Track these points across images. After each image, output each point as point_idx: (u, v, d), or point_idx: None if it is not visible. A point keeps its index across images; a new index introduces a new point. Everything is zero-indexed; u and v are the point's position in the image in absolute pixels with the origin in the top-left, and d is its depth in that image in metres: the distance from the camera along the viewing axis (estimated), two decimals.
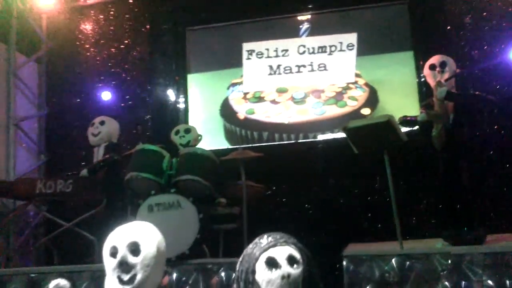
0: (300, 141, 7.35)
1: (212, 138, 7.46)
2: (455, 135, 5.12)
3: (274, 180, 6.79)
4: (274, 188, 6.90)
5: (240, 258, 2.70)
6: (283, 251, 2.61)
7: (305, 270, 2.63)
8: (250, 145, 7.16)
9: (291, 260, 2.59)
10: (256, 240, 2.70)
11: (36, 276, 5.14)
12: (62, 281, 2.77)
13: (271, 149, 7.08)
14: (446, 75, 5.29)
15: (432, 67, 5.41)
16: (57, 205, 6.07)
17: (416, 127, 5.41)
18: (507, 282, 4.44)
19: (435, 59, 5.44)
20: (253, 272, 2.61)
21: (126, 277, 2.64)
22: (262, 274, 2.58)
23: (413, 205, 6.06)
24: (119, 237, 2.72)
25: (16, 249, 6.37)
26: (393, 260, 4.76)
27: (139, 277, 2.63)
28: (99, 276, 4.93)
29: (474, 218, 5.23)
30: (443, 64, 5.36)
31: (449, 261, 4.55)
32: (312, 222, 6.69)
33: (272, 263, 2.58)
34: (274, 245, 2.64)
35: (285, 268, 2.56)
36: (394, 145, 4.93)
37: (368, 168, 6.16)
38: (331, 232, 6.46)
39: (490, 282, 4.45)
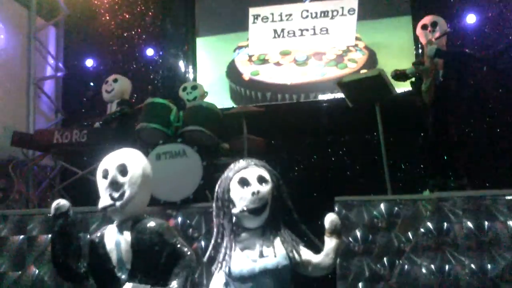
0: (301, 101, 7.58)
1: (218, 98, 7.70)
2: (444, 90, 5.33)
3: (275, 135, 7.02)
4: (273, 142, 7.11)
5: (219, 182, 3.01)
6: (254, 172, 2.92)
7: (274, 188, 2.92)
8: (254, 105, 7.40)
9: (261, 179, 2.90)
10: (232, 165, 3.01)
11: None
12: (62, 201, 3.05)
13: (274, 108, 7.32)
14: (437, 34, 5.49)
15: (424, 27, 5.62)
16: (72, 155, 6.34)
17: (408, 81, 5.62)
18: (485, 223, 4.70)
19: (426, 19, 5.65)
20: (228, 190, 2.92)
21: (116, 194, 2.97)
22: (235, 191, 2.89)
23: (403, 158, 6.27)
24: (110, 160, 3.05)
25: (35, 195, 6.69)
26: (382, 206, 5.02)
27: (127, 193, 2.95)
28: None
29: (459, 170, 5.46)
30: (434, 24, 5.57)
31: (433, 206, 4.81)
32: (308, 174, 6.92)
33: (243, 182, 2.89)
34: (246, 167, 2.95)
35: (255, 186, 2.86)
36: (385, 97, 5.16)
37: (362, 125, 6.39)
38: (324, 184, 6.68)
39: (469, 223, 4.71)
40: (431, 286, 4.66)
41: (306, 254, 2.89)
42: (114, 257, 2.94)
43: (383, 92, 5.10)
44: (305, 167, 7.11)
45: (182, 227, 5.31)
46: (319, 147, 7.06)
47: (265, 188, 2.88)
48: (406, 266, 4.76)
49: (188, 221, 5.27)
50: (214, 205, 2.99)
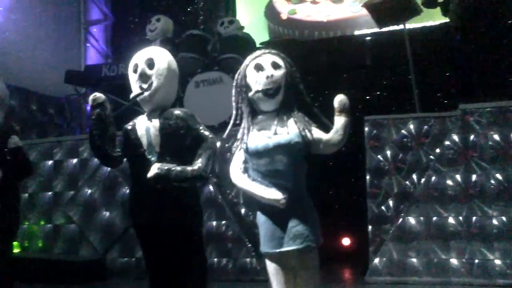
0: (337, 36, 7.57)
1: (257, 38, 7.78)
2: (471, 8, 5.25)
3: (311, 69, 7.03)
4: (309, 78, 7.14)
5: (237, 72, 3.13)
6: (268, 58, 3.01)
7: (287, 73, 3.02)
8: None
9: (275, 65, 2.98)
10: (249, 55, 3.12)
11: None
12: (98, 94, 3.22)
13: (311, 45, 7.33)
14: None
15: None
16: (119, 88, 6.54)
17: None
18: (510, 135, 4.68)
19: None
20: (245, 76, 3.03)
21: (145, 85, 3.11)
22: (251, 76, 2.99)
23: (432, 79, 6.20)
24: (139, 56, 3.19)
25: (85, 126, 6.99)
26: (411, 124, 5.06)
27: (154, 84, 3.09)
28: None
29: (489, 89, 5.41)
30: None
31: (460, 120, 4.81)
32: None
33: (258, 67, 2.99)
34: (261, 55, 3.04)
35: (269, 70, 2.96)
36: (412, 16, 5.15)
37: (392, 56, 6.37)
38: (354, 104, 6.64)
39: (495, 135, 4.69)
40: (457, 197, 4.71)
41: (317, 133, 2.97)
42: (144, 141, 3.10)
43: (409, 11, 5.09)
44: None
45: (220, 149, 5.51)
46: (352, 80, 7.02)
47: (279, 73, 2.98)
48: (433, 178, 4.80)
49: (225, 145, 5.45)
50: (233, 91, 3.12)
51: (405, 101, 5.96)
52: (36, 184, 5.90)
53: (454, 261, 4.60)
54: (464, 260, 4.58)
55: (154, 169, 2.90)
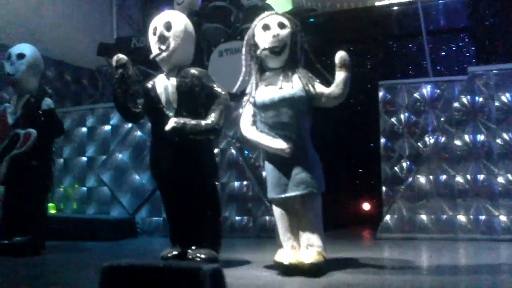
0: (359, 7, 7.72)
1: (279, 9, 7.97)
2: None
3: (333, 40, 7.25)
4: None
5: (247, 33, 3.45)
6: (275, 18, 3.34)
7: (292, 33, 3.32)
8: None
9: (281, 25, 3.31)
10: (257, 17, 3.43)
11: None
12: (121, 55, 3.57)
13: (332, 16, 7.53)
14: None
15: None
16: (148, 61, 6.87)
17: None
18: None
19: None
20: (253, 36, 3.36)
21: (163, 46, 3.46)
22: (259, 35, 3.32)
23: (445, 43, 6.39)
24: (157, 19, 3.54)
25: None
26: (423, 88, 5.29)
27: (172, 45, 3.44)
28: None
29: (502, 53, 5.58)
30: None
31: (469, 83, 5.02)
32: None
33: (266, 27, 3.32)
34: (268, 16, 3.37)
35: (275, 30, 3.28)
36: None
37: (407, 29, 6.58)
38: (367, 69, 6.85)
39: (502, 98, 4.90)
40: (464, 157, 4.95)
41: (320, 87, 3.28)
42: (163, 98, 3.45)
43: None
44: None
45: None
46: (368, 50, 7.22)
47: (284, 32, 3.28)
48: (442, 139, 5.04)
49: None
50: (243, 51, 3.44)
51: (420, 68, 6.18)
52: (70, 149, 6.37)
53: (461, 218, 4.86)
54: (471, 216, 4.83)
55: (171, 123, 3.27)
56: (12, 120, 4.45)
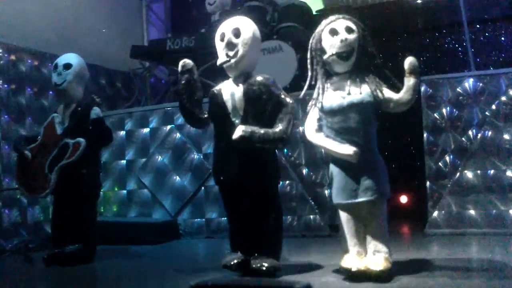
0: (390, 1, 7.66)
1: (313, 6, 7.91)
2: None
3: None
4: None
5: (312, 36, 3.42)
6: (342, 23, 3.32)
7: (360, 37, 3.29)
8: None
9: (348, 29, 3.29)
10: (323, 21, 3.40)
11: (171, 110, 6.18)
12: (187, 60, 3.57)
13: (365, 11, 7.46)
14: None
15: None
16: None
17: None
18: None
19: None
20: (320, 40, 3.34)
21: (231, 53, 3.44)
22: (326, 40, 3.31)
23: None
24: (226, 25, 3.52)
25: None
26: (466, 82, 5.23)
27: (240, 52, 3.43)
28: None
29: None
30: None
31: None
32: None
33: (333, 32, 3.30)
34: (335, 20, 3.34)
35: (343, 34, 3.27)
36: None
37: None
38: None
39: None
40: None
41: (388, 93, 3.28)
42: (229, 105, 3.44)
43: None
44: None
45: None
46: (407, 42, 7.14)
47: (352, 36, 3.27)
48: (489, 133, 4.99)
49: None
50: (308, 55, 3.43)
51: (460, 62, 6.12)
52: (109, 153, 6.40)
53: (511, 212, 4.81)
54: None
55: (239, 131, 3.26)
56: (61, 129, 4.50)
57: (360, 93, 3.23)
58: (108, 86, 7.11)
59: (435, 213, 5.01)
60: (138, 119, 6.35)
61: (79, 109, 4.53)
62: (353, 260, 3.21)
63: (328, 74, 3.37)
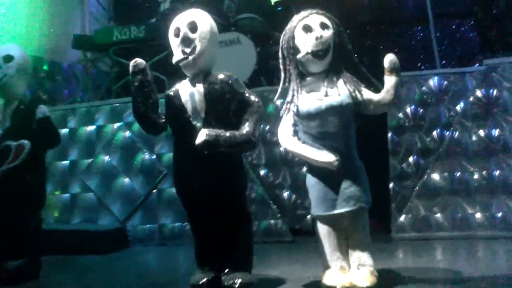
0: None
1: None
2: None
3: None
4: None
5: (283, 33, 3.16)
6: (316, 19, 3.07)
7: (335, 34, 3.06)
8: None
9: (323, 25, 3.05)
10: (294, 16, 3.15)
11: (119, 106, 5.78)
12: (139, 59, 3.22)
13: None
14: None
15: None
16: (131, 53, 6.45)
17: None
18: None
19: None
20: (293, 38, 3.09)
21: (188, 50, 3.14)
22: (300, 38, 3.06)
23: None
24: (180, 19, 3.21)
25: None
26: (431, 81, 5.10)
27: (198, 48, 3.13)
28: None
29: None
30: None
31: (482, 75, 4.86)
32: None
33: (307, 28, 3.05)
34: (308, 15, 3.09)
35: (318, 31, 3.02)
36: None
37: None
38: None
39: None
40: (480, 152, 4.80)
41: (367, 93, 3.06)
42: (189, 107, 3.13)
43: None
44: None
45: None
46: (369, 32, 6.99)
47: (327, 33, 3.03)
48: (456, 134, 4.88)
49: None
50: (280, 54, 3.16)
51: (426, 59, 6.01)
52: (49, 153, 5.87)
53: (478, 215, 4.72)
54: (487, 214, 4.69)
55: (202, 135, 2.95)
56: (1, 130, 4.04)
57: (339, 95, 3.00)
58: (47, 79, 6.59)
59: (402, 217, 4.87)
60: (82, 116, 5.90)
61: (22, 107, 4.09)
62: (336, 276, 2.99)
63: (302, 75, 3.12)
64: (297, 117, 3.05)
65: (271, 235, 5.11)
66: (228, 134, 3.00)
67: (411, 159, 5.05)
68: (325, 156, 2.95)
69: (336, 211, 2.98)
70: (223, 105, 3.11)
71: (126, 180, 5.60)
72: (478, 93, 4.85)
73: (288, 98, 3.10)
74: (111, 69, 7.50)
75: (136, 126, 5.62)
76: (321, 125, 2.99)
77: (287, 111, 3.11)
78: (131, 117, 5.67)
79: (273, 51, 5.95)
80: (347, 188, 2.98)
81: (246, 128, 3.05)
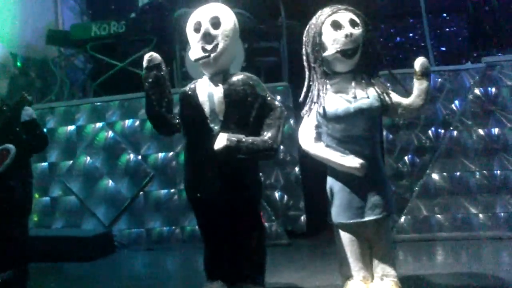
0: None
1: None
2: None
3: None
4: None
5: (307, 28, 2.98)
6: (346, 15, 2.90)
7: (365, 32, 2.90)
8: None
9: (353, 23, 2.87)
10: (319, 12, 2.97)
11: (101, 105, 5.50)
12: (154, 53, 3.00)
13: None
14: None
15: None
16: (110, 48, 6.18)
17: None
18: None
19: None
20: (320, 34, 2.90)
21: (209, 47, 2.91)
22: (328, 34, 2.87)
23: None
24: (201, 13, 2.98)
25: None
26: None
27: (220, 45, 2.90)
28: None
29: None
30: None
31: (481, 73, 4.78)
32: None
33: (336, 25, 2.86)
34: (337, 11, 2.91)
35: (348, 29, 2.84)
36: None
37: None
38: None
39: None
40: (481, 151, 4.73)
41: (396, 97, 2.94)
42: (207, 108, 2.92)
43: None
44: None
45: None
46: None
47: (358, 31, 2.86)
48: (455, 133, 4.80)
49: None
50: (303, 51, 2.98)
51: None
52: None
53: (480, 215, 4.64)
54: (489, 214, 4.62)
55: (222, 140, 2.75)
56: None
57: (368, 97, 2.84)
58: (21, 75, 6.22)
59: (402, 218, 4.75)
60: (61, 116, 5.60)
61: (5, 108, 3.79)
62: (359, 287, 2.84)
63: (326, 74, 2.95)
64: (322, 119, 2.88)
65: (268, 238, 4.88)
66: (250, 140, 2.81)
67: (406, 158, 4.95)
68: (352, 161, 2.80)
69: (362, 219, 2.84)
70: (244, 108, 2.91)
71: (110, 182, 5.34)
72: (477, 91, 4.77)
73: (314, 99, 2.91)
74: (85, 65, 7.16)
75: (119, 126, 5.41)
76: (348, 128, 2.83)
77: (309, 112, 2.94)
78: (114, 116, 5.45)
79: (261, 47, 5.80)
80: (373, 195, 2.84)
81: (268, 134, 2.87)
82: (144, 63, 2.96)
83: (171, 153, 5.26)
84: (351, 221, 2.86)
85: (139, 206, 5.27)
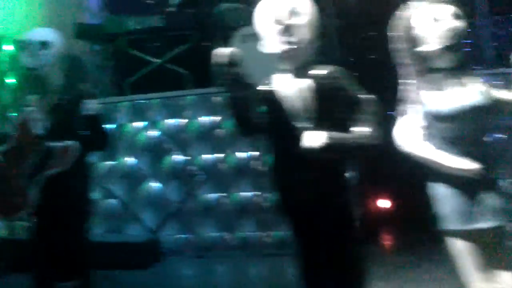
0: None
1: None
2: None
3: None
4: None
5: (396, 20, 2.77)
6: (446, 8, 2.68)
7: (466, 27, 2.69)
8: None
9: (456, 15, 2.65)
10: (409, 3, 2.73)
11: (143, 102, 5.26)
12: (233, 48, 2.77)
13: None
14: None
15: None
16: (148, 42, 5.91)
17: None
18: None
19: None
20: (417, 28, 2.67)
21: (292, 39, 2.69)
22: (428, 27, 2.63)
23: None
24: (279, 4, 2.76)
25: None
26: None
27: (303, 37, 2.68)
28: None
29: None
30: None
31: None
32: None
33: (438, 18, 2.65)
34: (436, 2, 2.72)
35: (451, 21, 2.63)
36: None
37: None
38: None
39: None
40: None
41: (503, 93, 2.72)
42: (292, 105, 2.70)
43: None
44: None
45: None
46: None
47: (461, 25, 2.66)
48: None
49: None
50: (399, 45, 2.75)
51: None
52: None
53: None
54: None
55: (321, 138, 2.50)
56: (41, 129, 3.41)
57: (477, 94, 2.62)
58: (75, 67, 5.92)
59: None
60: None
61: (64, 102, 3.47)
62: None
63: (426, 69, 2.71)
64: (431, 118, 2.65)
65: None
66: (350, 136, 2.60)
67: None
68: (466, 163, 2.56)
69: (480, 226, 2.60)
70: (333, 103, 2.68)
71: (157, 185, 5.07)
72: None
73: (411, 96, 2.68)
74: (117, 61, 6.84)
75: (163, 125, 5.17)
76: (459, 128, 2.61)
77: (412, 111, 2.69)
78: (156, 115, 5.18)
79: None
80: (490, 200, 2.60)
81: (368, 130, 2.62)
82: (226, 59, 2.70)
83: (221, 155, 5.02)
84: (468, 227, 2.61)
85: (188, 210, 5.00)
